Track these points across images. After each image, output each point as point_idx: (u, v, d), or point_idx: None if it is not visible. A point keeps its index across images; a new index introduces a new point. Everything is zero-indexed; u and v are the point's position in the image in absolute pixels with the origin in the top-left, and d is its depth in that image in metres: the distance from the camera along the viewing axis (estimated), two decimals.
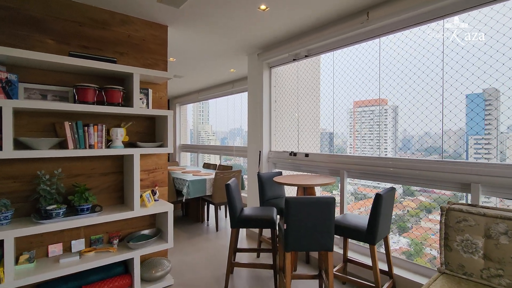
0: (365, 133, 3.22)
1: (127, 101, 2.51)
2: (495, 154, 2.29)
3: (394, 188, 2.34)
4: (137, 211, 2.43)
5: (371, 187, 3.32)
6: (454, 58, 2.26)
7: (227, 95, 6.32)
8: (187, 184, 3.99)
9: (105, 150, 2.31)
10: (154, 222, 2.85)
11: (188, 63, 4.57)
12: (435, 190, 2.61)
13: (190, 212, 4.90)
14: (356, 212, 3.64)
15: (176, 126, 8.47)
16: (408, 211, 2.93)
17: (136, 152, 2.41)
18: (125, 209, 2.48)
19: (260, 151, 3.79)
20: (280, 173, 3.37)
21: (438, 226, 2.71)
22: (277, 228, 2.53)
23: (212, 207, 5.05)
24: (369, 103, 3.07)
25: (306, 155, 3.31)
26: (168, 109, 9.09)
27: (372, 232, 2.10)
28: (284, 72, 3.89)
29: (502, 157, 2.27)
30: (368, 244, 2.17)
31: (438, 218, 2.73)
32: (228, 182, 2.57)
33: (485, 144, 2.33)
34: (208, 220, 4.71)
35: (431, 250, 2.71)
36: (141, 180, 2.77)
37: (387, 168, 2.54)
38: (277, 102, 3.88)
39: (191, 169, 5.31)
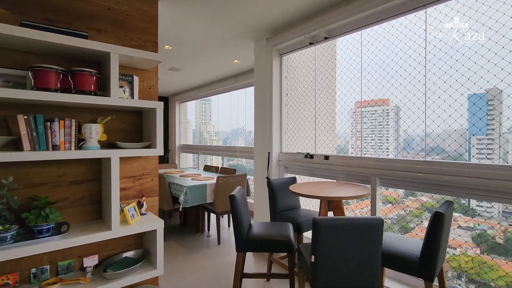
0: (368, 134, 2.89)
1: (104, 89, 1.97)
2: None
3: (452, 202, 1.78)
4: (116, 231, 1.88)
5: None
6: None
7: (230, 90, 5.78)
8: (184, 191, 3.45)
9: (74, 153, 1.77)
10: (141, 241, 2.30)
11: (186, 53, 4.03)
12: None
13: (189, 220, 4.36)
14: (357, 212, 3.25)
15: (175, 125, 7.96)
16: (410, 211, 2.77)
17: (114, 155, 1.87)
18: (102, 227, 1.94)
19: (269, 153, 3.24)
20: (294, 179, 2.82)
21: None
22: (295, 252, 1.98)
23: (213, 215, 4.50)
24: (374, 103, 2.62)
25: (326, 157, 2.76)
26: (167, 107, 8.72)
27: (429, 263, 1.54)
28: (296, 60, 3.33)
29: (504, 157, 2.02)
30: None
31: None
32: (233, 193, 2.02)
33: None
34: (209, 230, 4.17)
35: None
36: (124, 189, 2.23)
37: (438, 175, 1.97)
38: (288, 95, 3.33)
39: (190, 172, 4.77)
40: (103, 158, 2.01)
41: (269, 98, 3.24)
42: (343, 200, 2.20)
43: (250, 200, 4.88)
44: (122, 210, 2.01)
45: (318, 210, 2.92)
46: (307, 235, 2.97)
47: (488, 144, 2.12)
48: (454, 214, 2.34)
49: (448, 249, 2.23)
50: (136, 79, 2.16)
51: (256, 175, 3.45)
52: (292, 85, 3.32)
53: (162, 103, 2.09)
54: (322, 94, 3.19)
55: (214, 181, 3.76)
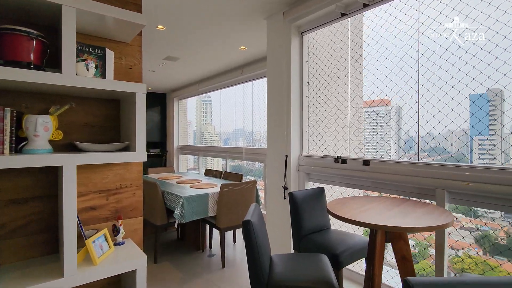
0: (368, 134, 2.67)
1: (56, 65, 1.34)
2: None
3: None
4: (70, 279, 1.24)
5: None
6: None
7: (235, 84, 5.15)
8: (180, 203, 2.80)
9: (8, 158, 1.13)
10: (118, 279, 1.66)
11: (183, 37, 3.40)
12: None
13: (187, 235, 3.71)
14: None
15: (174, 124, 7.35)
16: None
17: (67, 162, 1.23)
18: (52, 269, 1.29)
19: (286, 156, 2.60)
20: (322, 191, 2.18)
21: None
22: None
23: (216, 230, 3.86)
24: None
25: (365, 162, 2.11)
26: (165, 105, 8.12)
27: None
28: (321, 39, 2.68)
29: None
30: None
31: None
32: (248, 218, 1.37)
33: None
34: (210, 248, 3.52)
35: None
36: (93, 208, 1.58)
37: None
38: (310, 84, 2.68)
39: (189, 178, 4.12)
40: (56, 166, 1.37)
41: (287, 88, 2.60)
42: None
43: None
44: (84, 243, 1.37)
45: (354, 231, 2.28)
46: (350, 268, 2.34)
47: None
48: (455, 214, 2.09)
49: (450, 250, 1.92)
50: (110, 54, 1.53)
51: (269, 184, 2.81)
52: (315, 72, 2.67)
53: (144, 85, 1.45)
54: (350, 84, 2.54)
55: (217, 189, 3.12)
